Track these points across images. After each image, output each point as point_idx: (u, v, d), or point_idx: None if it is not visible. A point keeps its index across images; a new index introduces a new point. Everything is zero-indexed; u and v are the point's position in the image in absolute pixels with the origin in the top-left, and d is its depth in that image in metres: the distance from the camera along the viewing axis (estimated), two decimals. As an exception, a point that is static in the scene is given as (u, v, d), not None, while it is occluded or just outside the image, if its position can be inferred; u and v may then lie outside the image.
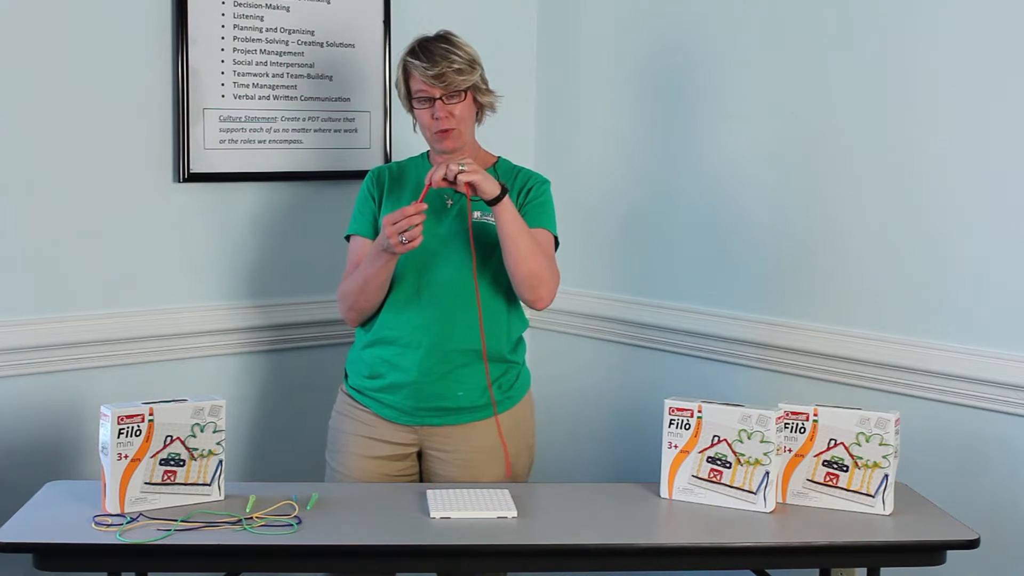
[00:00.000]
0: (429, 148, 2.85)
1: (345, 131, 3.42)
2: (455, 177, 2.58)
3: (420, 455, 2.84)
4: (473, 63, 2.74)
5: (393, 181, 2.84)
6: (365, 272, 2.70)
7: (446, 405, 2.75)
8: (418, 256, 2.69)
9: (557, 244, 2.84)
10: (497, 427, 2.75)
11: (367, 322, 2.81)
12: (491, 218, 2.67)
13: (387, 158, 3.46)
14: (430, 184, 2.60)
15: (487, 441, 2.77)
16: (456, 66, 2.69)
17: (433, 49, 2.71)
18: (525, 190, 2.80)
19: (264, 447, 3.37)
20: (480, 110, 2.81)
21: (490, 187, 2.61)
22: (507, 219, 2.64)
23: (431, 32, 2.78)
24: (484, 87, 2.78)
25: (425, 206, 2.58)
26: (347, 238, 2.87)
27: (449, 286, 2.74)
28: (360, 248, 2.80)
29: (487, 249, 2.73)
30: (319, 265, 3.37)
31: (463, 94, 2.73)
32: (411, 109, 2.78)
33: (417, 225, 2.56)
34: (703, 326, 3.36)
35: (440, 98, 2.71)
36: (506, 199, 2.63)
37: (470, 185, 2.59)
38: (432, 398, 2.75)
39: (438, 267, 2.74)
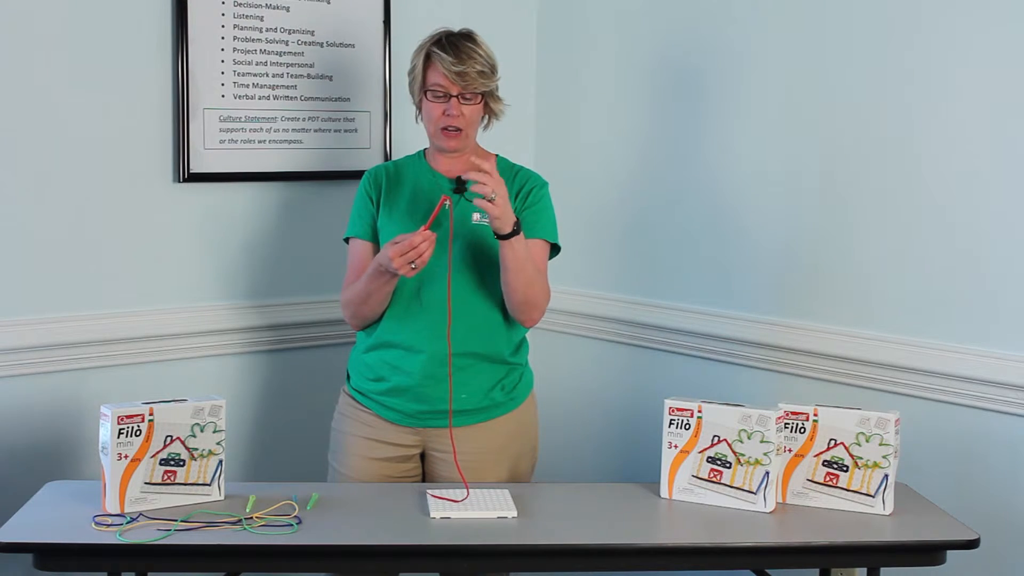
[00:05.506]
0: (427, 147, 2.84)
1: (345, 131, 3.42)
2: (473, 189, 2.53)
3: (423, 456, 2.83)
4: (494, 68, 2.73)
5: (390, 181, 2.82)
6: (367, 286, 2.68)
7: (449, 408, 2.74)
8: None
9: (558, 250, 2.83)
10: (450, 435, 2.70)
11: (369, 325, 2.81)
12: (487, 221, 2.62)
13: (387, 158, 3.46)
14: (443, 204, 2.55)
15: (491, 443, 2.76)
16: (480, 68, 2.68)
17: (460, 45, 2.69)
18: (523, 193, 2.78)
19: (264, 447, 3.37)
20: (489, 116, 2.80)
21: (505, 224, 2.59)
22: (513, 253, 2.63)
23: (454, 28, 2.76)
24: (497, 94, 2.78)
25: (433, 236, 2.53)
26: (346, 240, 2.86)
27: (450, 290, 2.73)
28: (359, 251, 2.80)
29: (485, 255, 2.72)
30: (319, 265, 3.36)
31: (478, 97, 2.72)
32: (421, 100, 2.75)
33: (426, 251, 2.54)
34: (703, 326, 3.36)
35: (456, 96, 2.69)
36: (518, 236, 2.62)
37: (486, 203, 2.54)
38: (435, 401, 2.73)
39: (438, 272, 2.71)
